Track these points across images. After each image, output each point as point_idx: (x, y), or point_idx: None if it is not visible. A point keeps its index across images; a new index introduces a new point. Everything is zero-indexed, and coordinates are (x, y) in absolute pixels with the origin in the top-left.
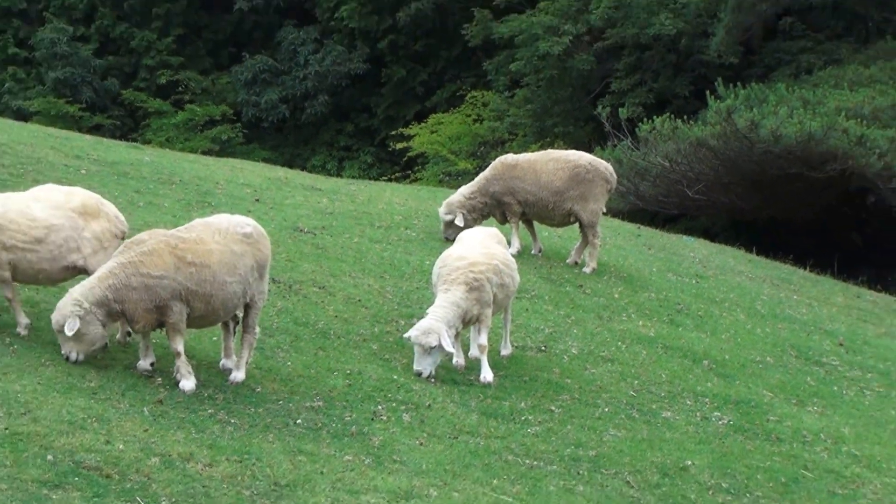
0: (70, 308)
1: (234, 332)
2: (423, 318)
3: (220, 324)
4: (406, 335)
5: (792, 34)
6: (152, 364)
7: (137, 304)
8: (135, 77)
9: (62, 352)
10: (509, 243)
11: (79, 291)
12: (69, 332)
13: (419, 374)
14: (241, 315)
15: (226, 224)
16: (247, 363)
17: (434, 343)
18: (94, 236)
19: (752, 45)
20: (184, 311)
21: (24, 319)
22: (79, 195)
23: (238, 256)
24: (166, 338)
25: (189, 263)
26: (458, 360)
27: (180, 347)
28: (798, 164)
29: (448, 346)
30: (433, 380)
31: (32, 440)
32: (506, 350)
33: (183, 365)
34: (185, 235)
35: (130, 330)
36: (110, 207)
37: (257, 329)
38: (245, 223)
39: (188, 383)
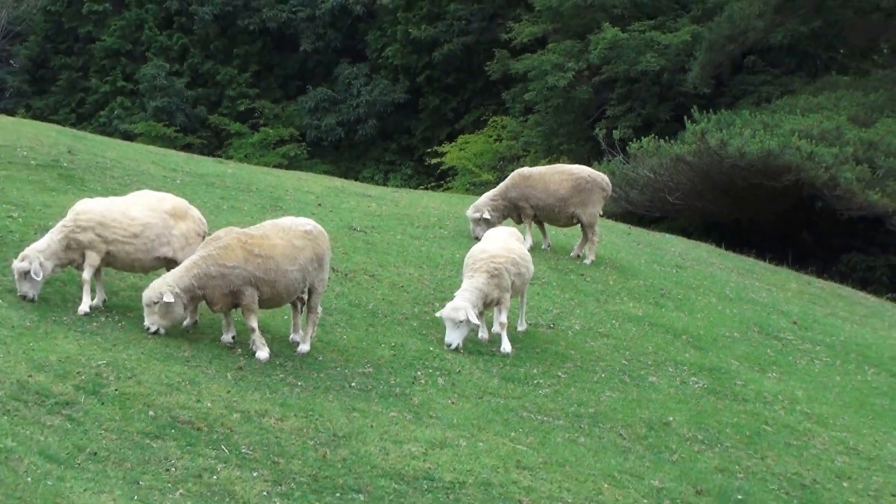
0: (164, 287)
1: (301, 312)
2: (452, 299)
3: (289, 304)
4: (438, 314)
5: (754, 70)
6: (233, 337)
7: (215, 290)
8: (219, 105)
9: (145, 323)
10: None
11: (171, 278)
12: (168, 300)
13: (449, 346)
14: (306, 298)
15: (289, 223)
16: (311, 337)
17: (462, 317)
18: (182, 234)
19: (722, 79)
20: (255, 295)
21: (89, 301)
22: (170, 200)
23: (299, 250)
24: (243, 317)
25: (257, 255)
26: (483, 334)
27: (254, 324)
28: (759, 176)
29: (474, 318)
30: (462, 351)
31: (137, 399)
32: (521, 326)
33: (258, 338)
34: (253, 233)
35: (211, 311)
36: (195, 211)
37: (320, 309)
38: (306, 223)
39: (263, 353)
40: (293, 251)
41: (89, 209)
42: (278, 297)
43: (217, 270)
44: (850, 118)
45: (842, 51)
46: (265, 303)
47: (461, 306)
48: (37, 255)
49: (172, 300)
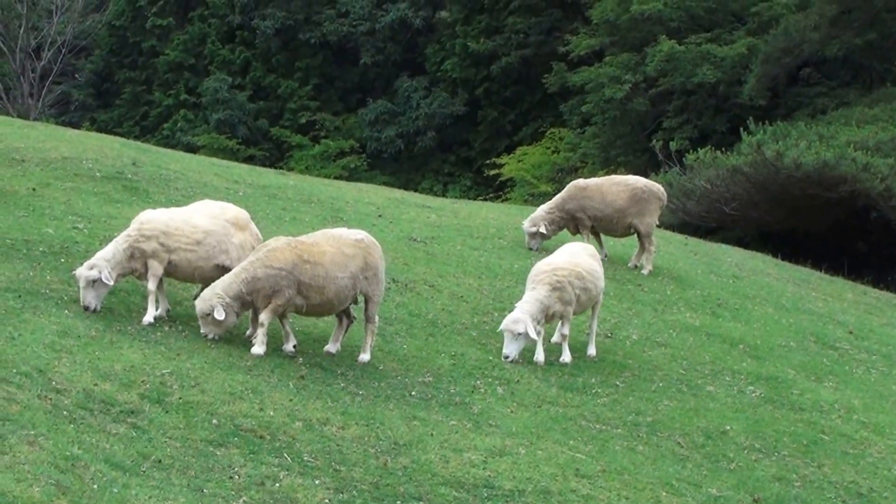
0: (215, 300)
1: (343, 325)
2: (512, 310)
3: (361, 314)
4: (500, 328)
5: (810, 82)
6: (295, 347)
7: (260, 292)
8: (280, 117)
9: (202, 331)
10: None
11: (220, 286)
12: (219, 317)
13: (506, 358)
14: (363, 307)
15: (342, 232)
16: (370, 346)
17: (521, 330)
18: (240, 244)
19: (777, 91)
20: (293, 300)
21: (154, 312)
22: (232, 210)
23: (349, 257)
24: (264, 311)
25: (305, 261)
26: (539, 357)
27: (266, 321)
28: (815, 187)
29: (532, 333)
30: (520, 360)
31: (201, 407)
32: (591, 350)
33: (262, 335)
34: (304, 240)
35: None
36: (254, 226)
37: (377, 319)
38: (358, 233)
39: (259, 349)
40: (343, 258)
41: (153, 219)
42: (329, 304)
43: (263, 272)
44: None
45: None
46: (316, 309)
47: (521, 319)
48: (105, 263)
49: (223, 316)
